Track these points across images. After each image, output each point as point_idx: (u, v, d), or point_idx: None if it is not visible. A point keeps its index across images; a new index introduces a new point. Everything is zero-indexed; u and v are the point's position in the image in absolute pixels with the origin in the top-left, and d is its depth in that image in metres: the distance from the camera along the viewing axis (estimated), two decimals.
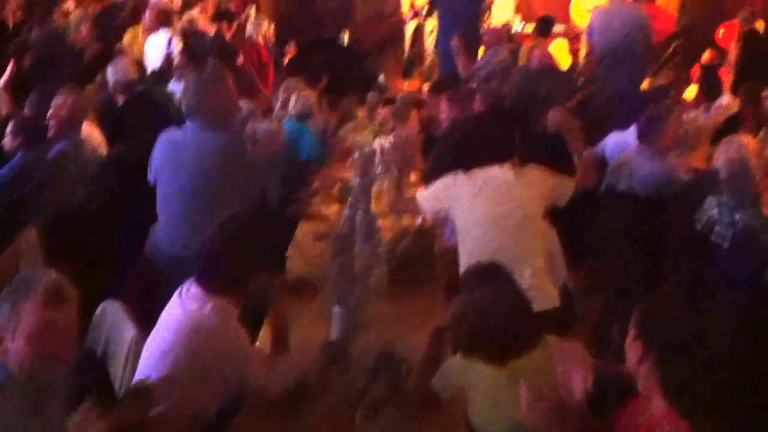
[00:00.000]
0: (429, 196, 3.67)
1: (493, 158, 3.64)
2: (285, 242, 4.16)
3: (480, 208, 3.47)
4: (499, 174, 3.57)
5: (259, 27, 8.52)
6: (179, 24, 7.83)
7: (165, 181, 3.85)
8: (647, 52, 7.21)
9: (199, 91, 3.84)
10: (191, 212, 3.73)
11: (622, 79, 6.82)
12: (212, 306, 2.67)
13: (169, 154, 3.85)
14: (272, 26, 8.98)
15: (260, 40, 8.44)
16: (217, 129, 3.81)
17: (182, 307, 2.71)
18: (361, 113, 7.09)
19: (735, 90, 7.05)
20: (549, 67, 6.67)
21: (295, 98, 5.94)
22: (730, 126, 6.20)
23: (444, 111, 5.24)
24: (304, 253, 3.99)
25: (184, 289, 2.76)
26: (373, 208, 4.02)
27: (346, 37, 11.32)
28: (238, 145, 3.96)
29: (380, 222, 3.84)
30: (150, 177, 3.92)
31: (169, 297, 2.79)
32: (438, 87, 6.50)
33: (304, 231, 4.42)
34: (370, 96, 7.20)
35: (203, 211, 3.68)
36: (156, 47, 7.36)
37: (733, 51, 8.04)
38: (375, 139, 5.78)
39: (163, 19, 7.69)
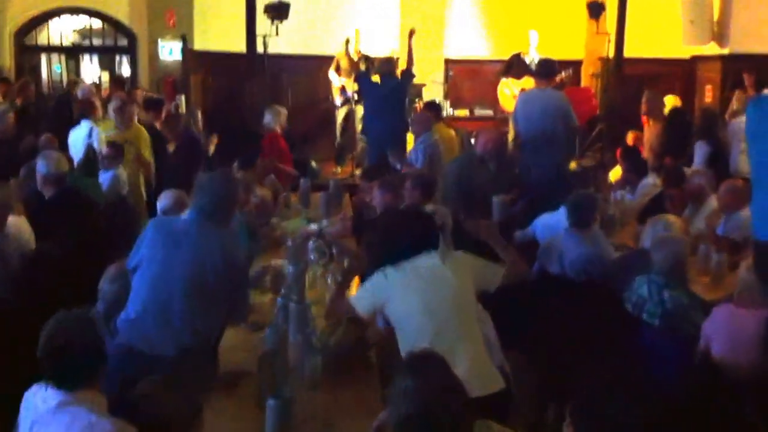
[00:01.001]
0: (362, 298, 3.61)
1: (422, 248, 3.62)
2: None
3: (413, 299, 3.44)
4: (428, 263, 3.55)
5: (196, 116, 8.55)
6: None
7: (154, 270, 3.68)
8: (570, 136, 7.42)
9: (211, 192, 3.81)
10: (180, 308, 3.60)
11: (547, 162, 6.98)
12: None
13: (166, 242, 3.72)
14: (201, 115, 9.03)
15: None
16: (221, 226, 3.79)
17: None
18: (293, 199, 7.08)
19: (659, 169, 7.27)
20: (493, 152, 6.65)
21: None
22: (655, 205, 6.34)
23: (376, 197, 5.26)
24: (239, 344, 3.90)
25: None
26: (308, 295, 3.99)
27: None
28: (234, 242, 3.91)
29: (315, 309, 3.79)
30: (131, 262, 3.78)
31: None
32: (369, 173, 6.54)
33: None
34: (303, 182, 7.21)
35: (193, 308, 3.59)
36: (78, 138, 7.32)
37: (655, 131, 8.32)
38: (308, 225, 5.79)
39: (85, 109, 7.67)
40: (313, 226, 5.57)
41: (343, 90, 11.09)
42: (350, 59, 11.09)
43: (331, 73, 11.20)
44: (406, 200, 5.29)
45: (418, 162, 7.44)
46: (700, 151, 7.06)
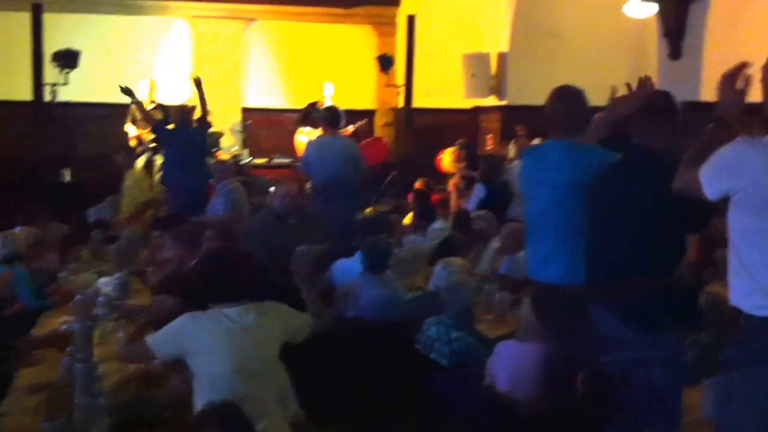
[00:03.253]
0: (163, 339, 3.51)
1: (229, 297, 3.58)
2: None
3: (220, 350, 3.40)
4: (237, 314, 3.52)
5: None
6: None
7: None
8: (361, 181, 7.63)
9: None
10: None
11: (340, 208, 7.12)
12: None
13: None
14: None
15: None
16: None
17: None
18: (85, 253, 6.81)
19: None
20: (292, 207, 6.55)
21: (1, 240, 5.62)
22: (444, 248, 6.62)
23: (169, 249, 5.17)
24: (19, 407, 3.68)
25: None
26: (97, 352, 3.84)
27: (67, 175, 10.98)
28: None
29: (105, 366, 3.66)
30: None
31: None
32: (162, 224, 6.40)
33: (20, 383, 4.09)
34: (94, 234, 6.95)
35: None
36: None
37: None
38: (98, 279, 5.58)
39: None
40: (104, 281, 5.37)
41: (139, 141, 10.82)
42: (144, 109, 10.84)
43: (128, 127, 10.87)
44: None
45: (221, 210, 7.40)
46: (477, 194, 7.47)
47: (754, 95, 2.85)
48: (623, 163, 3.65)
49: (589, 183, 3.68)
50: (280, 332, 3.61)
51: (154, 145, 10.46)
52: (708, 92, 6.41)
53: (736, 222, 2.78)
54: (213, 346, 3.37)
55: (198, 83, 8.68)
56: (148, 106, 10.65)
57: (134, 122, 10.73)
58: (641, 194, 3.37)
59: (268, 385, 3.48)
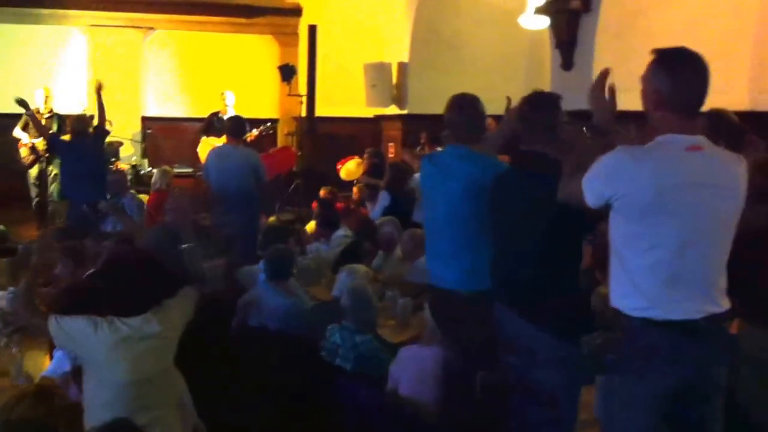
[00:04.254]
0: (61, 332, 3.38)
1: (130, 308, 3.51)
2: None
3: (116, 359, 3.34)
4: (138, 323, 3.43)
5: None
6: None
7: None
8: (262, 191, 7.63)
9: None
10: None
11: (240, 217, 7.09)
12: None
13: None
14: None
15: None
16: None
17: None
18: None
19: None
20: (183, 223, 6.36)
21: None
22: (349, 255, 6.65)
23: (60, 263, 5.05)
24: None
25: None
26: None
27: None
28: None
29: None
30: None
31: None
32: (57, 236, 6.25)
33: None
34: None
35: None
36: None
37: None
38: None
39: None
40: None
41: (33, 149, 10.50)
42: (39, 118, 10.53)
43: (17, 131, 10.53)
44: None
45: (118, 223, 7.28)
46: (381, 202, 7.55)
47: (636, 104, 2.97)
48: (514, 170, 3.76)
49: (487, 189, 3.76)
50: (178, 332, 3.56)
51: (47, 155, 10.21)
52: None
53: (616, 228, 2.88)
54: (109, 356, 3.31)
55: (98, 89, 8.51)
56: (44, 116, 10.37)
57: (25, 128, 10.39)
58: (533, 200, 3.48)
59: (166, 396, 3.45)
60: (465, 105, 4.08)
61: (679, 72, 2.79)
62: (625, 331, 2.85)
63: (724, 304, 2.85)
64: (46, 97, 10.67)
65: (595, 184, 2.87)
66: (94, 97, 8.65)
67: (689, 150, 2.78)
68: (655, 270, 2.77)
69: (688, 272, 2.77)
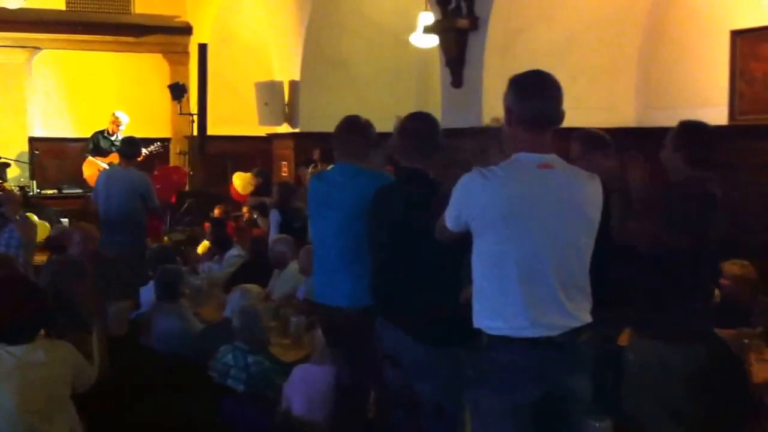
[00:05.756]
0: None
1: (15, 336, 3.39)
2: None
3: (5, 391, 3.24)
4: (22, 352, 3.33)
5: None
6: None
7: None
8: (152, 215, 7.51)
9: None
10: None
11: (126, 240, 6.99)
12: None
13: None
14: None
15: None
16: None
17: None
18: None
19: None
20: (88, 254, 6.03)
21: None
22: (241, 275, 6.57)
23: None
24: None
25: None
26: None
27: None
28: None
29: None
30: None
31: None
32: None
33: None
34: None
35: None
36: None
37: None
38: None
39: None
40: None
41: None
42: None
43: None
44: None
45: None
46: (273, 220, 7.51)
47: None
48: (393, 184, 3.79)
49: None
50: (69, 372, 3.47)
51: None
52: (489, 118, 6.77)
53: (474, 248, 2.92)
54: None
55: None
56: None
57: None
58: (409, 211, 3.50)
59: (55, 425, 3.34)
60: (352, 126, 4.10)
61: (524, 90, 2.91)
62: (485, 347, 2.89)
63: (583, 318, 2.89)
64: None
65: (453, 210, 2.94)
66: None
67: (540, 167, 2.85)
68: (509, 288, 2.82)
69: (543, 289, 2.81)
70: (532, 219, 2.81)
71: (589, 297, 2.94)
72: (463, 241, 2.98)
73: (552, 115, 2.90)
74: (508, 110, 2.92)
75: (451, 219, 2.95)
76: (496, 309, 2.85)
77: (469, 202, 2.87)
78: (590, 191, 2.94)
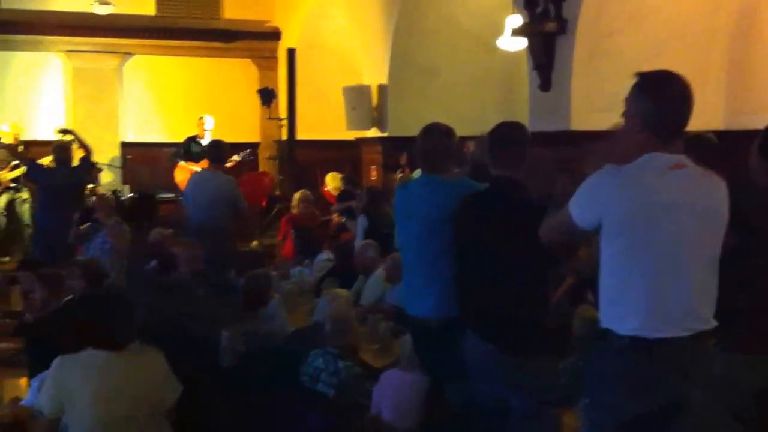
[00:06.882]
0: (47, 396, 3.39)
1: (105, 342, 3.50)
2: None
3: (91, 395, 3.34)
4: (110, 360, 3.43)
5: None
6: None
7: None
8: (239, 220, 7.62)
9: None
10: None
11: (213, 244, 7.01)
12: None
13: None
14: None
15: None
16: None
17: None
18: None
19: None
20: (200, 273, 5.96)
21: None
22: (330, 279, 6.64)
23: (36, 291, 5.00)
24: None
25: None
26: None
27: None
28: None
29: None
30: None
31: None
32: (28, 264, 6.19)
33: None
34: None
35: None
36: None
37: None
38: None
39: None
40: None
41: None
42: (8, 149, 10.47)
43: None
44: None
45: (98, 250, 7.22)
46: (360, 225, 7.56)
47: None
48: (482, 193, 3.77)
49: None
50: (158, 378, 3.57)
51: (14, 185, 10.16)
52: (577, 122, 6.71)
53: (604, 249, 2.86)
54: (84, 391, 3.31)
55: (65, 133, 8.48)
56: (14, 147, 10.30)
57: None
58: (499, 225, 3.49)
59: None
60: (434, 134, 4.08)
61: (661, 95, 2.81)
62: (611, 351, 2.82)
63: (711, 321, 2.84)
64: (13, 129, 10.56)
65: (581, 208, 2.87)
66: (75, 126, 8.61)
67: (672, 168, 2.79)
68: (642, 288, 2.77)
69: (676, 290, 2.77)
70: (665, 220, 2.75)
71: (715, 301, 2.86)
72: (567, 244, 2.93)
73: (686, 119, 2.83)
74: (640, 114, 2.83)
75: (581, 216, 2.86)
76: (628, 309, 2.79)
77: (604, 200, 2.80)
78: (722, 193, 2.88)
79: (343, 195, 9.45)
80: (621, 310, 2.82)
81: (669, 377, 2.77)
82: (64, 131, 8.77)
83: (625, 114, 2.91)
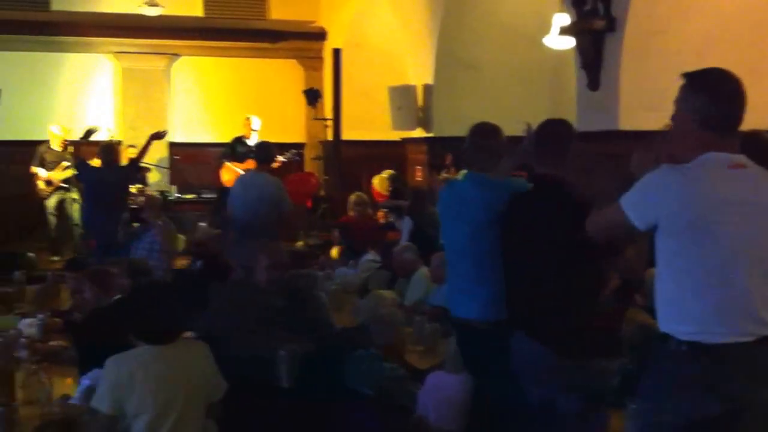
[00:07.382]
0: (103, 396, 3.45)
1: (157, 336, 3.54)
2: None
3: (146, 389, 3.37)
4: (161, 354, 3.46)
5: None
6: None
7: None
8: (284, 222, 7.60)
9: None
10: None
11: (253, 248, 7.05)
12: None
13: None
14: None
15: None
16: None
17: None
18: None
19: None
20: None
21: None
22: (375, 280, 6.64)
23: (86, 290, 5.06)
24: None
25: None
26: (20, 396, 3.75)
27: None
28: None
29: (27, 411, 3.56)
30: None
31: None
32: (75, 264, 6.27)
33: None
34: (17, 275, 6.77)
35: None
36: None
37: None
38: (20, 321, 5.42)
39: None
40: (26, 322, 5.20)
41: (48, 182, 10.60)
42: (55, 151, 10.65)
43: (36, 169, 10.63)
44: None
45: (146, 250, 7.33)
46: (405, 226, 7.53)
47: None
48: (527, 193, 3.73)
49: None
50: (206, 372, 3.59)
51: (65, 185, 10.33)
52: (625, 121, 6.62)
53: (662, 249, 2.79)
54: (141, 387, 3.34)
55: (156, 137, 8.54)
56: (61, 149, 10.48)
57: (43, 164, 10.52)
58: (546, 224, 3.44)
59: (189, 425, 3.45)
60: (482, 134, 4.06)
61: (716, 92, 2.76)
62: (669, 355, 2.75)
63: None
64: (62, 132, 10.73)
65: (638, 207, 2.80)
66: (126, 127, 8.67)
67: (731, 168, 2.73)
68: (702, 291, 2.70)
69: (737, 293, 2.69)
70: (726, 221, 2.69)
71: None
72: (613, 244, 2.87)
73: (741, 117, 2.77)
74: (695, 112, 2.76)
75: (637, 215, 2.79)
76: (687, 313, 2.72)
77: (664, 198, 2.73)
78: None
79: (392, 194, 9.40)
80: (681, 313, 2.74)
81: (736, 378, 2.69)
82: (89, 131, 8.86)
83: (673, 117, 2.85)
